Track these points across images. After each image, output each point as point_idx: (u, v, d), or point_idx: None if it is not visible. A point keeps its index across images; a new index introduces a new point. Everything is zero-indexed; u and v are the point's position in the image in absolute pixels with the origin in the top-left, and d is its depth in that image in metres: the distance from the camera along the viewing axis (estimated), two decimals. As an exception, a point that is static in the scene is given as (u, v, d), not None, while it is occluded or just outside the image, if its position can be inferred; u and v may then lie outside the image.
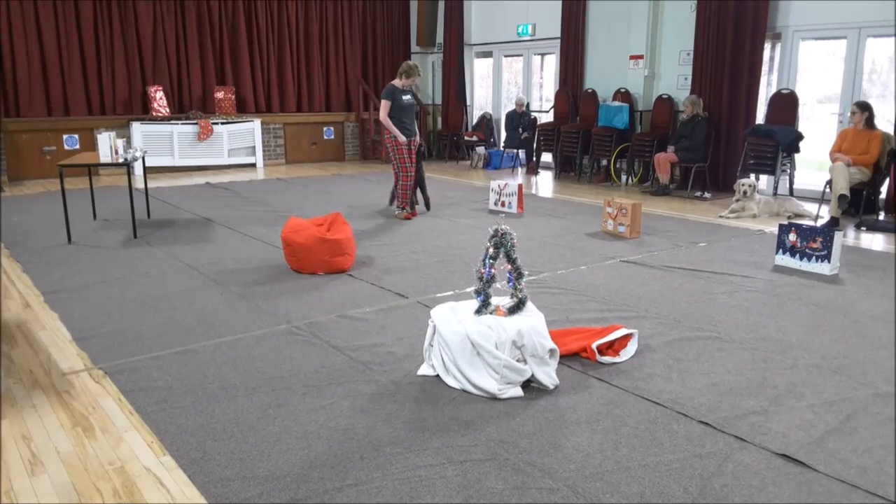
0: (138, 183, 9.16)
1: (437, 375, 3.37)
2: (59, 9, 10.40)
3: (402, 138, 7.24)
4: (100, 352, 3.74)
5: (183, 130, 11.28)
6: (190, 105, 11.79)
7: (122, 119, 10.97)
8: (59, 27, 10.45)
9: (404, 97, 7.27)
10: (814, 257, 5.36)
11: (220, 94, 11.78)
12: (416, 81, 7.33)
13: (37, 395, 3.25)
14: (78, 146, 10.60)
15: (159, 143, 11.08)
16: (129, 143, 8.69)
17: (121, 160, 6.37)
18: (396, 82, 7.27)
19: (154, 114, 11.18)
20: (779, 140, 8.35)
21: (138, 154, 6.90)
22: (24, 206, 8.20)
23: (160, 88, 11.30)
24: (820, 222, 7.19)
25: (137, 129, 10.89)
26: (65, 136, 10.55)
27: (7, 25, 10.04)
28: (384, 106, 7.20)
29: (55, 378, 3.44)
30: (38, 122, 10.40)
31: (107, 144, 6.34)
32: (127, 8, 10.97)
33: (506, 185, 7.90)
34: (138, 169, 9.55)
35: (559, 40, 11.19)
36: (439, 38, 13.34)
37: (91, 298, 4.66)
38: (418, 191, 7.89)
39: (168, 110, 11.36)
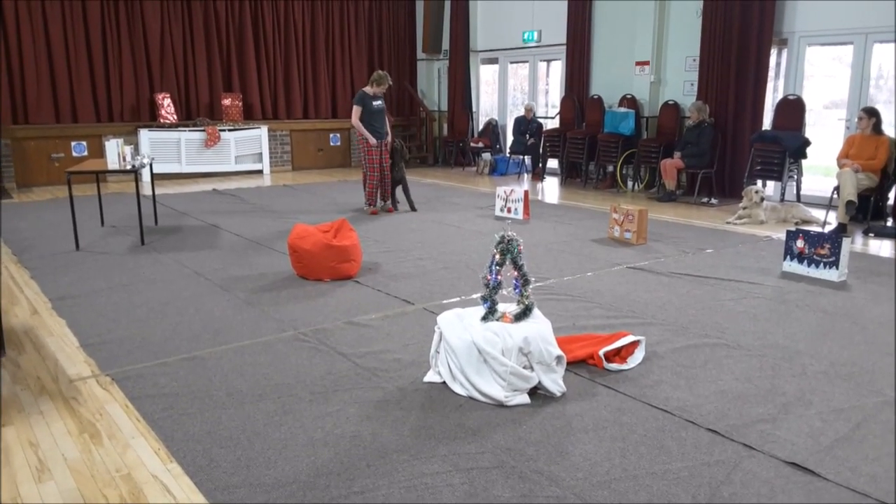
0: (146, 189, 9.20)
1: (444, 382, 3.36)
2: (66, 16, 10.48)
3: (373, 140, 7.91)
4: (107, 358, 3.75)
5: (190, 137, 11.33)
6: (197, 112, 11.85)
7: (129, 126, 11.03)
8: (67, 35, 10.53)
9: (374, 103, 7.93)
10: (822, 264, 5.33)
11: (227, 101, 11.83)
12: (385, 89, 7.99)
13: (44, 401, 3.26)
14: (86, 153, 10.65)
15: (167, 149, 11.13)
16: (136, 150, 8.75)
17: (128, 167, 6.40)
18: (367, 89, 7.94)
19: (161, 121, 11.24)
20: (785, 146, 8.33)
21: (146, 161, 6.94)
22: (32, 212, 8.24)
23: (168, 95, 11.36)
24: (827, 228, 7.15)
25: (145, 135, 10.94)
26: (73, 143, 10.61)
27: (16, 33, 10.12)
28: (356, 111, 7.87)
29: (62, 384, 3.45)
30: (47, 129, 10.46)
31: (114, 151, 6.37)
32: (134, 15, 11.05)
33: (512, 191, 7.89)
34: (146, 176, 9.61)
35: (565, 46, 11.20)
36: (445, 44, 13.37)
37: (98, 305, 4.68)
38: (400, 192, 8.35)
39: (175, 117, 11.42)
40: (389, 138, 8.21)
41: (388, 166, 8.14)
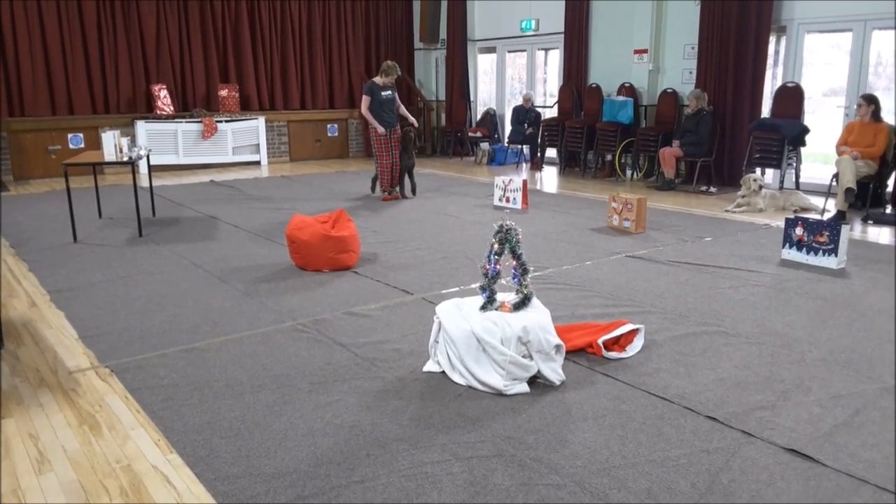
0: (143, 181, 9.18)
1: (443, 372, 3.36)
2: (62, 8, 10.42)
3: (381, 129, 8.10)
4: (106, 350, 3.75)
5: (187, 128, 11.29)
6: (194, 103, 11.80)
7: (126, 117, 10.99)
8: (63, 26, 10.48)
9: (384, 93, 8.11)
10: (820, 251, 5.33)
11: (223, 92, 11.79)
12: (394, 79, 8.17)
13: (43, 393, 3.26)
14: (83, 145, 10.62)
15: (164, 141, 11.09)
16: (133, 142, 8.70)
17: (125, 158, 6.38)
18: (377, 79, 8.12)
19: (158, 112, 11.19)
20: (784, 134, 8.31)
21: (143, 152, 6.91)
22: (29, 205, 8.22)
23: (164, 87, 11.31)
24: (826, 216, 7.15)
25: (142, 127, 10.90)
26: (69, 135, 10.57)
27: (11, 25, 10.06)
28: (364, 101, 8.11)
29: (62, 376, 3.45)
30: (43, 122, 10.42)
31: (111, 143, 6.35)
32: (130, 7, 10.99)
33: (510, 180, 7.88)
34: (143, 167, 9.59)
35: (563, 35, 11.15)
36: (442, 33, 13.31)
37: (97, 297, 4.67)
38: (406, 177, 8.55)
39: (172, 108, 11.38)
40: (413, 121, 8.46)
41: (397, 154, 8.28)
